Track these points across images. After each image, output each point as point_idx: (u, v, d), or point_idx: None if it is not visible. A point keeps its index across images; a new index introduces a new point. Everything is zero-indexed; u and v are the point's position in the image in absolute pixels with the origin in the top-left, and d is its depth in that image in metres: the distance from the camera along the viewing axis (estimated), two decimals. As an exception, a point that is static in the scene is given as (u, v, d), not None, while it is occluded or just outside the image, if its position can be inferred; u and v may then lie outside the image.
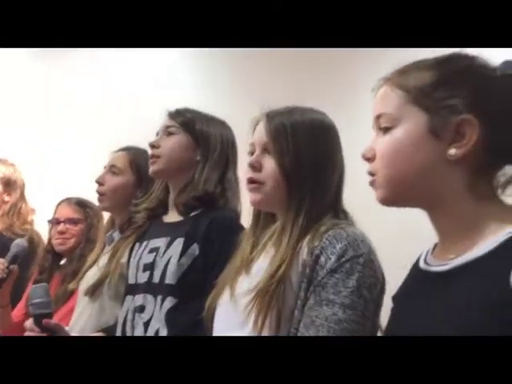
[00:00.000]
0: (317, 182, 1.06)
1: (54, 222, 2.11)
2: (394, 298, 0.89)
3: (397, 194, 0.81)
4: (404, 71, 0.82)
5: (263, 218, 1.16)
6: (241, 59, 2.83)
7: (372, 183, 0.83)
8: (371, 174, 0.82)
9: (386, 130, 0.81)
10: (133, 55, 3.11)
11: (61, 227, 2.09)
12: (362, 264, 0.95)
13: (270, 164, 1.08)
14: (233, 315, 1.05)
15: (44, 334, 1.26)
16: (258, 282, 1.00)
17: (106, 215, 1.94)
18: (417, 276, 0.87)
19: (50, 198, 2.27)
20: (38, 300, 1.29)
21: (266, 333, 0.97)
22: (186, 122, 1.48)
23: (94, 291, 1.62)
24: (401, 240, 2.17)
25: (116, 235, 1.74)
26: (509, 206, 0.78)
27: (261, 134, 1.11)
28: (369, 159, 0.83)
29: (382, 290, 1.00)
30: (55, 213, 2.15)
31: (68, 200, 2.17)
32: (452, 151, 0.76)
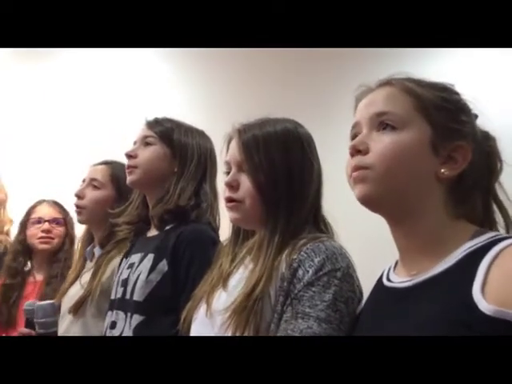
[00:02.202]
0: (293, 195, 1.04)
1: (36, 221, 2.10)
2: (359, 315, 0.91)
3: (383, 194, 0.81)
4: (416, 81, 0.85)
5: (243, 234, 1.15)
6: (217, 59, 2.83)
7: (359, 177, 0.81)
8: (361, 167, 0.81)
9: (390, 128, 0.81)
10: (113, 56, 3.12)
11: (46, 226, 2.08)
12: (340, 278, 0.94)
13: (246, 182, 1.07)
14: (209, 331, 1.03)
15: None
16: (235, 299, 0.98)
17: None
18: (380, 293, 0.89)
19: (24, 205, 2.25)
20: (43, 320, 1.25)
21: None
22: (164, 132, 1.46)
23: (77, 309, 1.58)
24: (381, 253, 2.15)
25: (97, 250, 1.71)
26: (472, 227, 0.81)
27: (234, 151, 1.10)
28: (359, 152, 0.82)
29: (360, 304, 0.97)
30: (34, 212, 2.14)
31: (46, 201, 2.17)
32: (443, 170, 0.81)
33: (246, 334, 0.95)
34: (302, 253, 0.96)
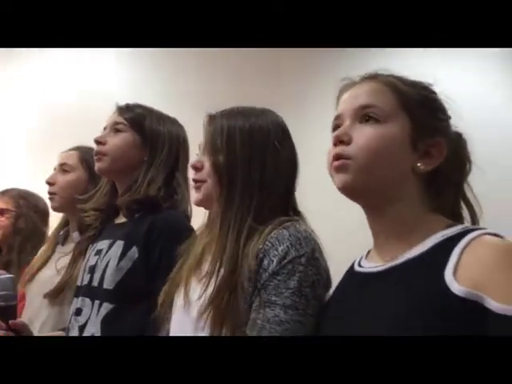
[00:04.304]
0: (255, 182, 1.04)
1: None
2: (329, 303, 0.93)
3: (362, 183, 0.84)
4: (399, 78, 0.89)
5: (210, 222, 1.14)
6: (184, 59, 2.81)
7: (340, 166, 0.84)
8: (343, 157, 0.84)
9: (373, 121, 0.84)
10: (73, 55, 3.03)
11: None
12: (304, 263, 0.95)
13: (208, 163, 1.09)
14: (187, 322, 1.03)
15: (3, 332, 1.20)
16: (209, 295, 0.98)
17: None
18: (352, 279, 0.91)
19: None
20: (3, 292, 1.23)
21: None
22: (135, 119, 1.43)
23: (56, 295, 1.56)
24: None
25: (76, 235, 1.67)
26: (446, 220, 0.85)
27: (203, 135, 1.12)
28: (342, 142, 0.85)
29: (327, 286, 0.99)
30: None
31: (1, 192, 2.12)
32: (420, 164, 0.85)
33: (224, 327, 0.95)
34: (267, 242, 0.97)
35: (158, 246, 1.28)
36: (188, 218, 1.41)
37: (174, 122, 1.48)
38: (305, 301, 0.93)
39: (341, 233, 2.32)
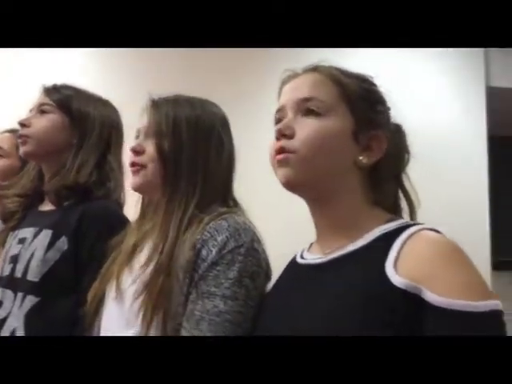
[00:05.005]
0: (197, 171, 1.03)
1: None
2: (269, 294, 0.93)
3: (305, 177, 0.84)
4: (341, 70, 0.88)
5: (151, 212, 1.11)
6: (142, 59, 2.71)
7: (283, 161, 0.83)
8: (285, 150, 0.83)
9: (315, 114, 0.84)
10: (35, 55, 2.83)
11: None
12: (244, 254, 0.94)
13: (151, 148, 1.06)
14: (120, 313, 1.01)
15: None
16: (144, 280, 0.96)
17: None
18: (293, 270, 0.92)
19: None
20: None
21: (153, 331, 0.94)
22: (62, 99, 1.35)
23: None
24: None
25: None
26: (386, 214, 0.86)
27: (145, 119, 1.09)
28: (285, 136, 0.84)
29: (267, 277, 0.99)
30: None
31: None
32: (361, 158, 0.85)
33: (155, 316, 0.93)
34: (206, 232, 0.96)
35: (89, 238, 1.22)
36: (121, 206, 1.35)
37: (105, 103, 1.41)
38: (245, 291, 0.92)
39: (284, 226, 2.32)
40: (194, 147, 1.04)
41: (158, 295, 0.94)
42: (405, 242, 0.76)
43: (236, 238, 0.94)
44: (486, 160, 2.62)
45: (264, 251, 0.99)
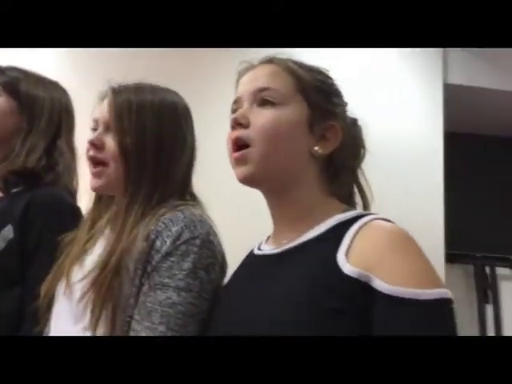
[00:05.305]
0: (160, 166, 1.00)
1: None
2: (225, 287, 0.93)
3: (262, 173, 0.84)
4: (297, 63, 0.89)
5: (105, 201, 1.08)
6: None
7: (240, 158, 0.83)
8: (241, 141, 0.83)
9: (270, 104, 0.84)
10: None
11: None
12: (199, 245, 0.92)
13: (111, 143, 1.01)
14: (68, 309, 0.98)
15: None
16: (91, 273, 0.94)
17: None
18: (250, 262, 0.93)
19: None
20: None
21: (102, 325, 0.91)
22: (9, 82, 1.29)
23: None
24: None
25: None
26: (342, 205, 0.87)
27: (104, 109, 1.03)
28: (240, 125, 0.84)
29: (223, 271, 0.97)
30: None
31: None
32: (317, 148, 0.85)
33: (104, 311, 0.91)
34: (160, 223, 0.93)
35: (37, 225, 1.17)
36: (73, 194, 1.30)
37: (55, 86, 1.35)
38: (199, 283, 0.90)
39: (242, 219, 2.30)
40: (158, 142, 1.00)
41: (107, 291, 0.91)
42: (357, 232, 0.76)
43: (191, 230, 0.92)
44: (442, 156, 2.66)
45: (220, 244, 0.97)
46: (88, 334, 0.92)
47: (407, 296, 0.68)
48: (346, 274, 0.72)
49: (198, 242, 0.92)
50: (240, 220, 2.30)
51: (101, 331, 0.90)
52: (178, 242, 0.91)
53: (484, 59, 2.82)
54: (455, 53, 2.82)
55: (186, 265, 0.90)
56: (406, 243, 0.74)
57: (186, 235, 0.92)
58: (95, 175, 1.02)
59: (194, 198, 1.06)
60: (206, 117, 2.26)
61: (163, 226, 0.93)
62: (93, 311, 0.91)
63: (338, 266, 0.73)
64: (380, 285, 0.70)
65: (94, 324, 0.91)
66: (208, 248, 0.93)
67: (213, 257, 0.94)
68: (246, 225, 2.09)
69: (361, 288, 0.71)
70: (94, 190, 1.05)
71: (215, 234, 0.97)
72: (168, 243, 0.91)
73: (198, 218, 0.95)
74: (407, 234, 0.76)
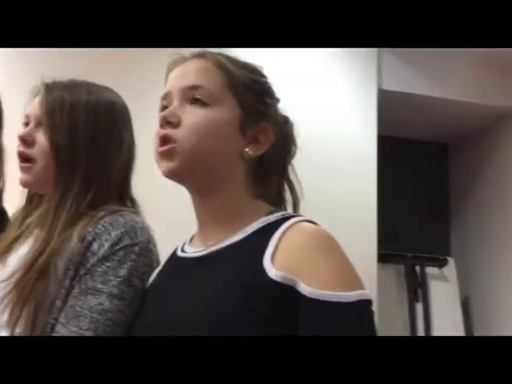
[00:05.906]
0: (93, 165, 0.98)
1: None
2: (148, 290, 0.91)
3: (190, 168, 0.82)
4: (229, 58, 0.87)
5: (37, 201, 1.05)
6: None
7: (166, 152, 0.81)
8: (170, 140, 0.81)
9: (201, 103, 0.82)
10: None
11: None
12: (137, 253, 0.90)
13: (42, 140, 0.98)
14: None
15: None
16: (15, 273, 0.90)
17: None
18: (172, 264, 0.91)
19: None
20: None
21: (21, 324, 0.87)
22: None
23: None
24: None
25: None
26: (268, 206, 0.87)
27: (36, 105, 1.00)
28: (170, 123, 0.82)
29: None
30: None
31: None
32: (247, 150, 0.84)
33: (25, 310, 0.87)
34: (100, 226, 0.91)
35: None
36: None
37: None
38: (133, 292, 0.89)
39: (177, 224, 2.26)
40: (92, 141, 0.98)
41: (30, 292, 0.88)
42: (283, 235, 0.76)
43: (131, 236, 0.91)
44: (375, 157, 2.72)
45: (157, 254, 0.96)
46: (5, 333, 0.88)
47: (332, 299, 0.70)
48: (272, 278, 0.72)
49: (136, 249, 0.90)
50: (179, 222, 2.25)
51: (19, 331, 0.87)
52: (117, 247, 0.89)
53: (413, 65, 2.92)
54: (388, 57, 2.90)
55: (122, 272, 0.88)
56: (328, 246, 0.75)
57: (126, 241, 0.90)
58: (23, 170, 0.99)
59: (134, 203, 1.04)
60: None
61: (103, 228, 0.91)
62: (12, 311, 0.88)
63: (264, 270, 0.73)
64: (304, 288, 0.71)
65: (13, 324, 0.87)
66: (146, 256, 0.92)
67: (149, 266, 0.93)
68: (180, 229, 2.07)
69: (286, 292, 0.71)
70: (23, 185, 1.02)
71: (154, 244, 0.96)
72: (106, 247, 0.89)
73: (139, 224, 0.94)
74: (330, 235, 0.77)
